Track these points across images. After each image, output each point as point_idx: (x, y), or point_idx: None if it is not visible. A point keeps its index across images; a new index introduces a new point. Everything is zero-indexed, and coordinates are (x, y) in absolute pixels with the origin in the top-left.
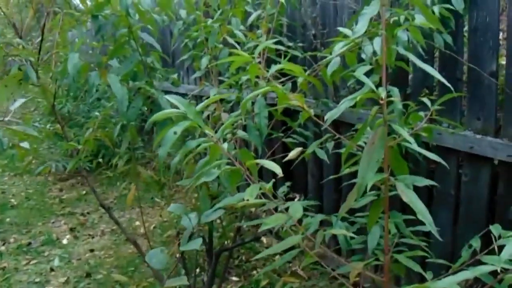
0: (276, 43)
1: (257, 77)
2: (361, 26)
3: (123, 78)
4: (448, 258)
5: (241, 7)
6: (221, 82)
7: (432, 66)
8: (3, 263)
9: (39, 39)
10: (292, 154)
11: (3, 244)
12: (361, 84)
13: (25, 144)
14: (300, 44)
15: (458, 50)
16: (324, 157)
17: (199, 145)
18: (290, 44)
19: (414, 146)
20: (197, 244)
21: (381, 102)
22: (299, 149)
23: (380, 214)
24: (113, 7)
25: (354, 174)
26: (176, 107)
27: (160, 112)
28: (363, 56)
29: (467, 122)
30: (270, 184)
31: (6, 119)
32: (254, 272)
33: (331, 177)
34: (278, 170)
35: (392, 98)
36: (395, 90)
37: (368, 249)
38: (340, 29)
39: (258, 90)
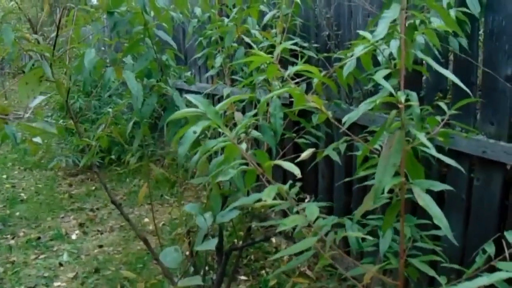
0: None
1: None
2: (382, 29)
3: (138, 75)
4: (458, 262)
5: (256, 7)
6: (233, 81)
7: (447, 69)
8: (12, 257)
9: (54, 34)
10: (304, 155)
11: (13, 238)
12: (375, 86)
13: (37, 139)
14: (315, 45)
15: (473, 54)
16: (336, 158)
17: (216, 145)
18: (305, 44)
19: (433, 151)
20: (212, 244)
21: (400, 106)
22: (311, 150)
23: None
24: (129, 4)
25: (365, 176)
26: (193, 106)
27: (180, 111)
28: (379, 58)
29: (480, 126)
30: (287, 185)
31: (26, 116)
32: (263, 271)
33: (345, 179)
34: (296, 171)
35: (410, 103)
36: (414, 95)
37: (380, 251)
38: (360, 32)
39: (276, 91)
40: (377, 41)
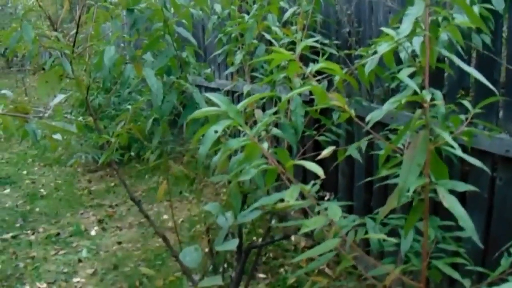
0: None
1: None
2: (406, 27)
3: (158, 72)
4: (480, 264)
5: (277, 3)
6: (253, 78)
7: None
8: (32, 252)
9: (74, 31)
10: (325, 152)
11: (33, 234)
12: (398, 84)
13: (57, 136)
14: (335, 42)
15: (496, 50)
16: (358, 156)
17: (237, 144)
18: (326, 41)
19: (458, 152)
20: (233, 244)
21: (425, 105)
22: (332, 147)
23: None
24: (149, 1)
25: (386, 175)
26: (213, 104)
27: (201, 110)
28: (401, 56)
29: (503, 124)
30: (310, 186)
31: (46, 115)
32: (282, 270)
33: (367, 179)
34: (320, 172)
35: (435, 102)
36: (438, 94)
37: (401, 252)
38: (384, 29)
39: (298, 89)
40: (400, 39)
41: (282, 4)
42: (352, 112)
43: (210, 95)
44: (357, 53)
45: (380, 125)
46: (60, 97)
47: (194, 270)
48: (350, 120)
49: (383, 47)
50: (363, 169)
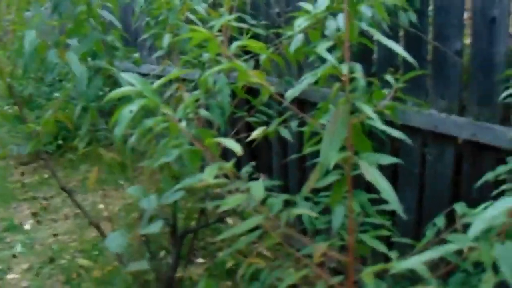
0: (239, 21)
1: (219, 55)
2: (322, 0)
3: (82, 57)
4: (414, 238)
5: None
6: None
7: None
8: None
9: None
10: (255, 133)
11: None
12: (323, 61)
13: None
14: (264, 22)
15: (423, 29)
16: (288, 136)
17: (156, 124)
18: (253, 22)
19: (378, 124)
20: (157, 226)
21: (343, 78)
22: (262, 128)
23: (344, 194)
24: None
25: (317, 153)
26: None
27: (116, 90)
28: (327, 33)
29: (432, 101)
30: (231, 163)
31: None
32: (220, 253)
33: (294, 156)
34: (237, 149)
35: (354, 75)
36: (358, 66)
37: (333, 228)
38: (301, 4)
39: (219, 66)
40: (319, 14)
41: None
42: (271, 89)
43: (125, 75)
44: (284, 32)
45: (311, 105)
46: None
47: (131, 258)
48: (281, 101)
49: (300, 22)
50: (296, 149)
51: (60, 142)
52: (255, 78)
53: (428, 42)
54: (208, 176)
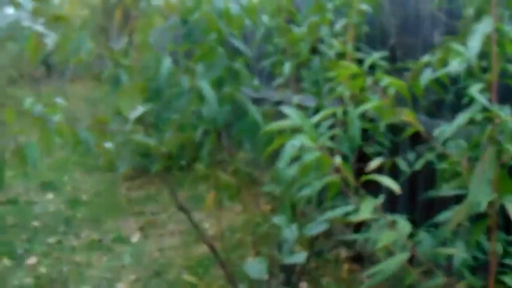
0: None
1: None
2: (475, 44)
3: (211, 83)
4: None
5: (327, 16)
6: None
7: None
8: (76, 257)
9: (125, 41)
10: (373, 164)
11: (76, 239)
12: (444, 97)
13: (108, 145)
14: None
15: None
16: (406, 169)
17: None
18: (376, 54)
19: None
20: (301, 257)
21: (496, 121)
22: (379, 159)
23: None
24: (201, 11)
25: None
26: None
27: (276, 123)
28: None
29: None
30: (381, 199)
31: (128, 128)
32: (323, 280)
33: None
34: (395, 187)
35: (503, 117)
36: (506, 109)
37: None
38: (454, 45)
39: (368, 104)
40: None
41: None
42: (422, 128)
43: (285, 109)
44: (404, 66)
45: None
46: (141, 109)
47: (241, 280)
48: (396, 130)
49: (455, 64)
50: (406, 181)
51: (182, 162)
52: (405, 116)
53: None
54: (365, 211)
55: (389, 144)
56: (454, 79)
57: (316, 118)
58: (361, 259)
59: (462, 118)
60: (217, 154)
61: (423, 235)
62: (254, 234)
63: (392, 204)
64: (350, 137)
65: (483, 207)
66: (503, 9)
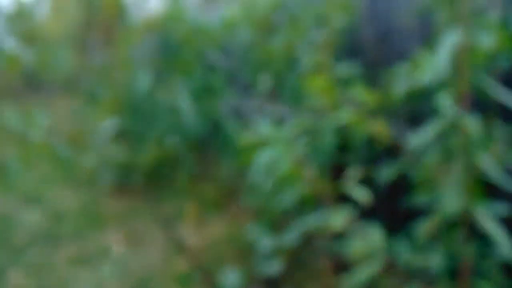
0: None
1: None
2: (444, 55)
3: (189, 96)
4: None
5: (302, 29)
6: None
7: None
8: (59, 272)
9: (105, 56)
10: (350, 176)
11: (58, 253)
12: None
13: (89, 159)
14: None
15: None
16: (381, 179)
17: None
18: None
19: (493, 173)
20: (277, 267)
21: (462, 130)
22: (356, 171)
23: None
24: (181, 27)
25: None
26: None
27: (247, 136)
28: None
29: None
30: (352, 211)
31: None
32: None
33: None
34: (365, 199)
35: (470, 127)
36: (474, 118)
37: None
38: (424, 56)
39: (345, 118)
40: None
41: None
42: (392, 139)
43: (258, 122)
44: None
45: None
46: (118, 124)
47: None
48: (371, 139)
49: (427, 75)
50: (387, 189)
51: (162, 175)
52: (375, 126)
53: None
54: (336, 221)
55: (366, 153)
56: (430, 89)
57: (290, 130)
58: (346, 269)
59: (430, 129)
60: (198, 167)
61: (400, 243)
62: (235, 246)
63: (372, 212)
64: (324, 148)
65: (454, 215)
66: (475, 17)
